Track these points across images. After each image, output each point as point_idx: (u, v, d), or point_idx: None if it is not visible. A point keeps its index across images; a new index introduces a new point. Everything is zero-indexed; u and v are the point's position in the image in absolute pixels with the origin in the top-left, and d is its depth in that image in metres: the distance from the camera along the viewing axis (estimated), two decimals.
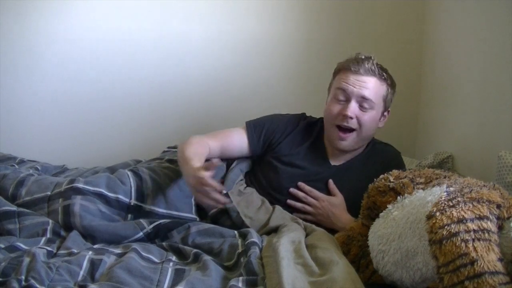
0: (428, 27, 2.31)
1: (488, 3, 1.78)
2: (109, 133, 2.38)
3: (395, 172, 1.38)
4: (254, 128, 1.81)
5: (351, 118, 1.66)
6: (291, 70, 2.39)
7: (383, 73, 1.69)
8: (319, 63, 2.36)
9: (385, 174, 1.38)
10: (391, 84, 1.73)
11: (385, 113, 1.76)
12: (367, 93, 1.66)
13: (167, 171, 1.71)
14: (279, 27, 2.36)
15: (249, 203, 1.65)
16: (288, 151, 1.77)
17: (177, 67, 2.33)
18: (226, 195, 1.63)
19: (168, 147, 1.90)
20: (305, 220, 1.65)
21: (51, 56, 2.31)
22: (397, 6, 2.36)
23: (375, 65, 1.68)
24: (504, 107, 1.65)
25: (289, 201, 1.70)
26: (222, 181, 1.71)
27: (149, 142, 2.36)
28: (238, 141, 1.80)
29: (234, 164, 1.78)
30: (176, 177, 1.69)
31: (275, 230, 1.55)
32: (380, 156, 1.78)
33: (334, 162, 1.77)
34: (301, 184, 1.71)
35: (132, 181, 1.64)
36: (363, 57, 1.70)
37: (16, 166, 1.87)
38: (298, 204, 1.69)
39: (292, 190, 1.70)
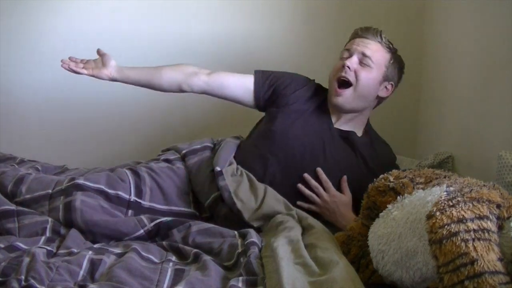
0: (428, 27, 2.31)
1: (488, 2, 1.78)
2: (110, 134, 2.38)
3: (395, 172, 1.38)
4: (262, 72, 1.86)
5: (349, 68, 1.72)
6: (292, 69, 2.39)
7: (389, 44, 1.78)
8: (319, 63, 2.36)
9: (385, 174, 1.39)
10: (397, 59, 1.80)
11: (387, 85, 1.78)
12: (368, 52, 1.73)
13: (164, 169, 1.72)
14: (280, 27, 2.37)
15: (239, 183, 1.65)
16: (293, 104, 1.79)
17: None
18: (220, 172, 1.64)
19: (162, 151, 1.91)
20: (308, 209, 1.66)
21: (51, 56, 2.30)
22: (397, 6, 2.36)
23: (382, 35, 1.77)
24: (504, 107, 1.65)
25: (300, 186, 1.70)
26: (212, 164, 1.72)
27: (150, 142, 2.37)
28: (242, 78, 1.83)
29: (222, 145, 1.79)
30: (173, 175, 1.71)
31: (269, 218, 1.56)
32: (378, 152, 1.80)
33: (336, 125, 1.80)
34: (319, 170, 1.70)
35: (130, 178, 1.66)
36: (371, 26, 1.79)
37: (16, 166, 1.86)
38: (307, 192, 1.69)
39: (306, 175, 1.70)
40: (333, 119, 1.80)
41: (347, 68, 1.72)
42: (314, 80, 1.89)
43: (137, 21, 2.32)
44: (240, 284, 1.20)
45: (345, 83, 1.74)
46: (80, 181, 1.59)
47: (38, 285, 1.14)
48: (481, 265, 1.00)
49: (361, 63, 1.73)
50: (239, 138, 1.88)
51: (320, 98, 1.82)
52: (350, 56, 1.75)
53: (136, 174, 1.68)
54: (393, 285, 1.23)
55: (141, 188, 1.65)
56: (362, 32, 1.78)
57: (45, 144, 2.34)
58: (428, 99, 2.31)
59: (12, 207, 1.52)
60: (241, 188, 1.63)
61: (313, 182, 1.70)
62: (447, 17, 2.14)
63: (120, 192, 1.61)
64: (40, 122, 2.36)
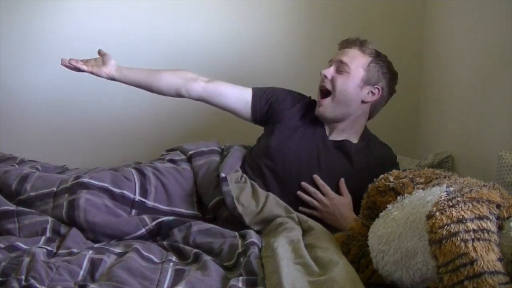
0: (428, 27, 2.31)
1: (488, 2, 1.78)
2: (110, 134, 2.38)
3: (395, 172, 1.38)
4: (260, 88, 1.88)
5: (326, 76, 1.75)
6: (292, 70, 2.39)
7: (368, 47, 1.78)
8: (319, 63, 2.36)
9: (385, 174, 1.39)
10: (380, 62, 1.78)
11: (372, 89, 1.77)
12: (345, 58, 1.76)
13: (169, 169, 1.73)
14: (280, 27, 2.37)
15: (242, 189, 1.66)
16: (289, 120, 1.81)
17: (178, 66, 2.33)
18: (225, 179, 1.66)
19: (167, 150, 1.91)
20: (311, 215, 1.66)
21: (51, 56, 2.31)
22: (397, 6, 2.36)
23: (363, 42, 1.78)
24: (504, 107, 1.65)
25: (299, 193, 1.70)
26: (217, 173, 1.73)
27: (150, 142, 2.37)
28: (241, 90, 1.85)
29: (230, 153, 1.79)
30: (178, 176, 1.72)
31: (268, 220, 1.57)
32: (377, 153, 1.80)
33: (331, 137, 1.80)
34: (316, 177, 1.71)
35: (136, 177, 1.67)
36: (355, 37, 1.81)
37: (17, 166, 1.87)
38: (306, 197, 1.70)
39: (303, 184, 1.71)
40: (327, 132, 1.81)
41: (324, 77, 1.76)
42: (310, 97, 1.90)
43: (137, 21, 2.32)
44: (240, 284, 1.20)
45: (327, 93, 1.76)
46: (86, 179, 1.60)
47: (38, 285, 1.14)
48: (481, 265, 1.00)
49: (338, 70, 1.75)
50: (247, 148, 1.89)
51: (314, 112, 1.83)
52: (330, 66, 1.78)
53: (141, 173, 1.69)
54: (393, 285, 1.23)
55: (147, 187, 1.66)
56: (344, 43, 1.81)
57: (45, 144, 2.34)
58: (428, 99, 2.31)
59: (12, 207, 1.53)
60: (244, 194, 1.64)
61: (311, 188, 1.71)
62: (447, 17, 2.14)
63: (125, 191, 1.62)
64: (40, 122, 2.36)
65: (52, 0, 2.29)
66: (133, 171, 1.70)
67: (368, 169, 1.72)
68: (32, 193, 1.59)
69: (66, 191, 1.58)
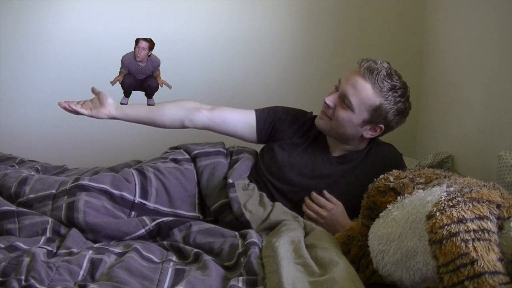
0: (428, 27, 2.32)
1: (488, 3, 1.78)
2: (110, 133, 2.38)
3: (395, 172, 1.38)
4: (263, 110, 1.85)
5: (328, 105, 1.69)
6: (292, 70, 2.39)
7: (384, 87, 1.64)
8: (320, 64, 2.37)
9: (385, 174, 1.38)
10: (392, 102, 1.66)
11: (375, 127, 1.70)
12: (350, 93, 1.64)
13: (171, 170, 1.72)
14: (281, 28, 2.37)
15: (250, 197, 1.65)
16: (291, 138, 1.79)
17: (178, 66, 2.33)
18: (232, 185, 1.65)
19: (170, 148, 1.90)
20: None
21: (51, 56, 2.32)
22: (397, 6, 2.36)
23: (380, 74, 1.63)
24: (504, 107, 1.65)
25: (303, 207, 1.69)
26: (225, 176, 1.72)
27: (149, 142, 2.37)
28: (244, 115, 1.82)
29: (240, 161, 1.78)
30: (180, 176, 1.71)
31: (275, 226, 1.56)
32: (380, 155, 1.78)
33: (334, 154, 1.78)
34: (313, 193, 1.70)
35: (136, 179, 1.66)
36: (378, 62, 1.66)
37: (16, 166, 1.87)
38: (305, 210, 1.68)
39: (306, 198, 1.70)
40: (331, 149, 1.79)
41: (326, 105, 1.70)
42: (311, 112, 1.88)
43: (137, 21, 2.32)
44: (240, 284, 1.20)
45: None
46: (85, 182, 1.59)
47: (38, 285, 1.14)
48: (481, 266, 1.00)
49: (342, 102, 1.67)
50: (255, 156, 1.87)
51: (317, 130, 1.80)
52: (337, 90, 1.70)
53: (142, 174, 1.68)
54: (393, 285, 1.23)
55: (147, 189, 1.65)
56: (361, 66, 1.65)
57: (45, 144, 2.34)
58: (428, 99, 2.32)
59: (12, 207, 1.53)
60: (251, 200, 1.63)
61: (307, 201, 1.69)
62: (447, 17, 2.15)
63: (124, 193, 1.61)
64: (40, 122, 2.36)
65: (55, 1, 2.29)
66: (134, 172, 1.69)
67: (375, 173, 1.69)
68: (31, 195, 1.58)
69: (65, 193, 1.58)
